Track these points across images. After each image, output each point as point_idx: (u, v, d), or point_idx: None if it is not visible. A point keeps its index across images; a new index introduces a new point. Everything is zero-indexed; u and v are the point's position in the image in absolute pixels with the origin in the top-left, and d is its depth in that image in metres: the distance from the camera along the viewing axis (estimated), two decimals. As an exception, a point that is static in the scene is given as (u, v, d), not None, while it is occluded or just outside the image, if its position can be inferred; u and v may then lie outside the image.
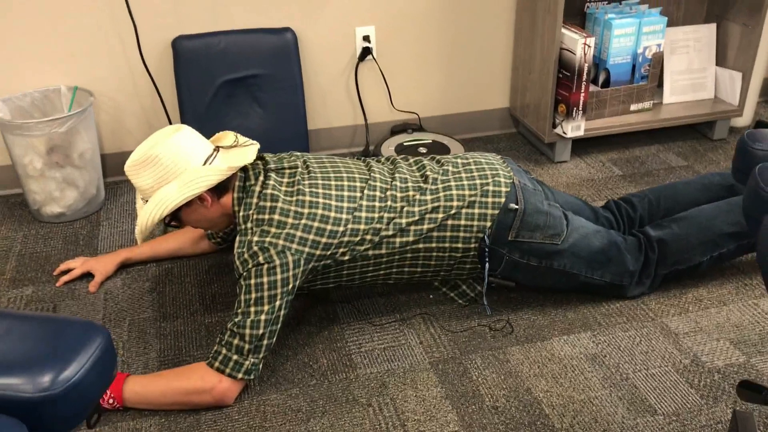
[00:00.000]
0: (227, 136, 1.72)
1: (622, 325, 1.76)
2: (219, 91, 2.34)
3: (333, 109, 2.58)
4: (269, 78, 2.37)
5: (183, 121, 2.33)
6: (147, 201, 1.60)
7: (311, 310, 1.84)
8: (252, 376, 1.53)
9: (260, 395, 1.58)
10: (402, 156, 1.85)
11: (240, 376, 1.52)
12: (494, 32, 2.61)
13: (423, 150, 2.48)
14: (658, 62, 2.55)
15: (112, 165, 2.44)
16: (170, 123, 2.41)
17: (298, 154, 1.76)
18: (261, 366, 1.55)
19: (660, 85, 2.70)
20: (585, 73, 2.36)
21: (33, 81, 2.27)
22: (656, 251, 1.81)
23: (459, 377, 1.62)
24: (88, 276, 1.96)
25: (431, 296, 1.88)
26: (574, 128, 2.45)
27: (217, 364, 1.52)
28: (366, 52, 2.50)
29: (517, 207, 1.70)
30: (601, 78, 2.55)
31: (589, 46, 2.31)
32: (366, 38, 2.49)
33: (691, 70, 2.69)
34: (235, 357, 1.52)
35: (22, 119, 2.18)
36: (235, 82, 2.35)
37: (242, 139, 1.71)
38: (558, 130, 2.49)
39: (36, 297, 1.90)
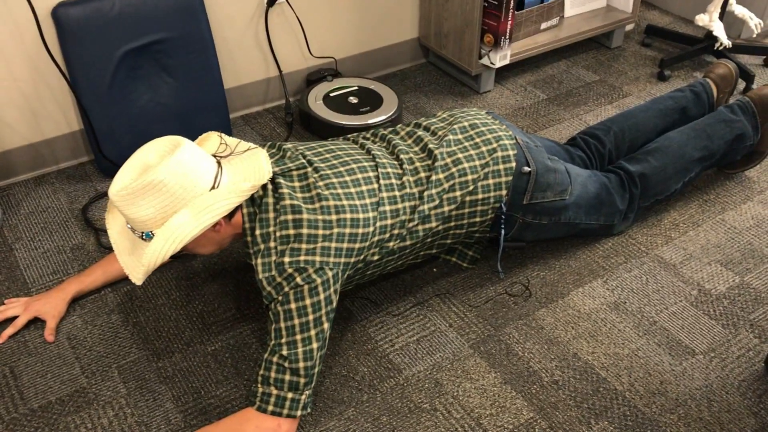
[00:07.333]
0: (210, 139, 1.46)
1: (624, 265, 1.81)
2: (121, 65, 1.96)
3: (243, 64, 2.28)
4: (176, 41, 2.02)
5: (80, 104, 1.94)
6: (142, 233, 1.32)
7: (319, 310, 1.68)
8: (309, 410, 1.38)
9: (317, 426, 1.43)
10: (389, 129, 1.68)
11: (299, 413, 1.36)
12: (401, -41, 2.42)
13: (354, 99, 2.29)
14: (564, -22, 2.53)
15: (-5, 168, 2.00)
16: (77, 107, 1.99)
17: (289, 145, 1.53)
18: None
19: (563, -1, 2.69)
20: (512, 0, 2.27)
21: None
22: (638, 186, 1.85)
23: (505, 356, 1.57)
24: (35, 321, 1.62)
25: (434, 269, 1.79)
26: (502, 57, 2.39)
27: (271, 407, 1.34)
28: (275, -5, 2.21)
29: (529, 169, 1.64)
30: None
31: (516, -28, 2.21)
32: (273, -20, 2.19)
33: (586, -19, 2.70)
34: (290, 395, 1.35)
35: None
36: (137, 51, 1.98)
37: (229, 139, 1.45)
38: (485, 61, 2.41)
39: (-19, 363, 1.54)
